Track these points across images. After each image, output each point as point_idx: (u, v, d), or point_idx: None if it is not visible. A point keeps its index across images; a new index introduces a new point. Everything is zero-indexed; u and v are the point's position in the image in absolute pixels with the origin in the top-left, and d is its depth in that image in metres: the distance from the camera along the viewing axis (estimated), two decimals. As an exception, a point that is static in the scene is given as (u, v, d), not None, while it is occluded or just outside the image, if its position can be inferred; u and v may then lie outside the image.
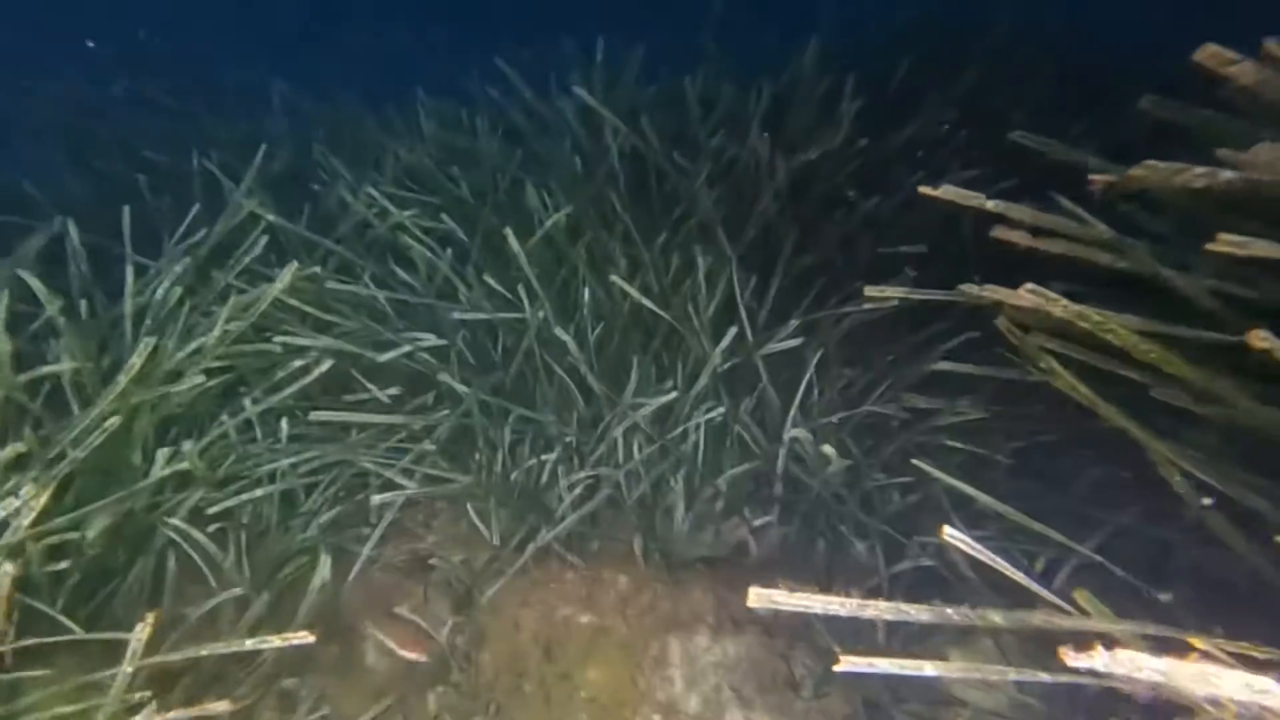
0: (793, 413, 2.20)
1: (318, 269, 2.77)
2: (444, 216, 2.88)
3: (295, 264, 2.17)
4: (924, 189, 1.31)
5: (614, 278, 2.26)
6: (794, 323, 2.26)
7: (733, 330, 2.23)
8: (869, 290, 1.42)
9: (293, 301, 2.46)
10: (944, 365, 1.60)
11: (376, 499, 2.13)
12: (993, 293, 1.20)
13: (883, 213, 2.25)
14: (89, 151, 3.64)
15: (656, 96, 3.02)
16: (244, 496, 1.96)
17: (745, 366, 2.30)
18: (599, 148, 2.57)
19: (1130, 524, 1.65)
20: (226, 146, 3.50)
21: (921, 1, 3.11)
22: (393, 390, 2.51)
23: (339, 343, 2.30)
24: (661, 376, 2.41)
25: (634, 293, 2.27)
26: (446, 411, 2.35)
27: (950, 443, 2.07)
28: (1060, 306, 1.13)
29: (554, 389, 2.41)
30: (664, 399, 2.23)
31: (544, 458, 2.34)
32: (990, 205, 1.26)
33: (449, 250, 2.65)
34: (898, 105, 2.55)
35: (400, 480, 2.24)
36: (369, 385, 2.45)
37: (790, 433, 2.13)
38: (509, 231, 2.08)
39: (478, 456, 2.37)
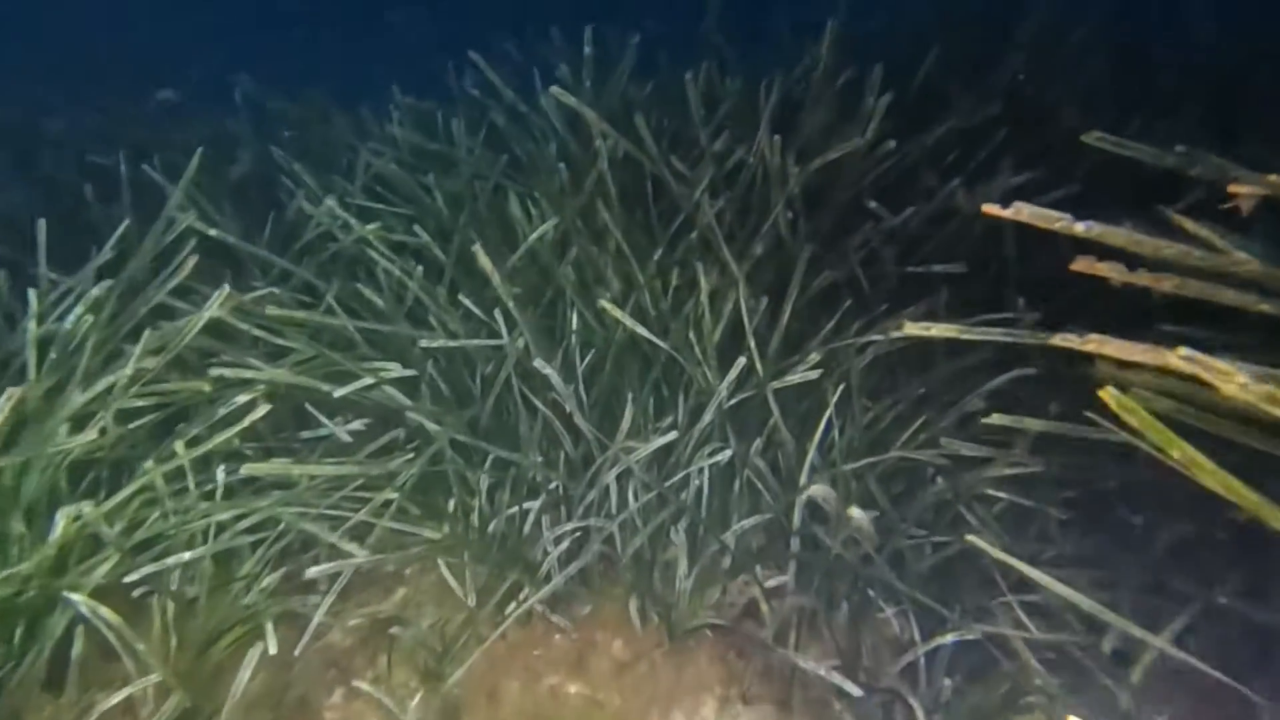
0: (810, 456, 1.92)
1: (275, 289, 2.49)
2: (417, 229, 2.59)
3: (227, 289, 1.88)
4: (988, 208, 1.04)
5: (602, 302, 1.98)
6: (811, 352, 1.99)
7: (740, 360, 1.95)
8: (909, 327, 1.14)
9: (244, 326, 2.17)
10: (997, 419, 1.32)
11: (330, 560, 1.84)
12: (1101, 346, 0.92)
13: (912, 226, 1.97)
14: (35, 156, 3.35)
15: (654, 93, 2.73)
16: (169, 561, 1.66)
17: (755, 402, 2.02)
18: (588, 152, 2.29)
19: (1224, 603, 1.37)
20: (183, 150, 3.21)
21: None
22: (357, 425, 2.22)
23: (292, 374, 2.00)
24: (660, 413, 2.12)
25: (625, 319, 1.98)
26: (411, 455, 2.06)
27: (993, 492, 1.79)
28: (1227, 378, 0.83)
29: (538, 427, 2.12)
30: (663, 440, 1.95)
31: (527, 505, 2.06)
32: (1080, 230, 0.99)
33: (420, 268, 2.36)
34: (926, 101, 2.27)
35: (361, 532, 1.95)
36: (326, 421, 2.15)
37: (807, 481, 1.85)
38: (479, 249, 1.79)
39: (450, 503, 2.08)
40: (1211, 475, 0.83)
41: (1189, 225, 1.17)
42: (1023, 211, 1.01)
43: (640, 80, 2.94)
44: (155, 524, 1.70)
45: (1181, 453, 0.83)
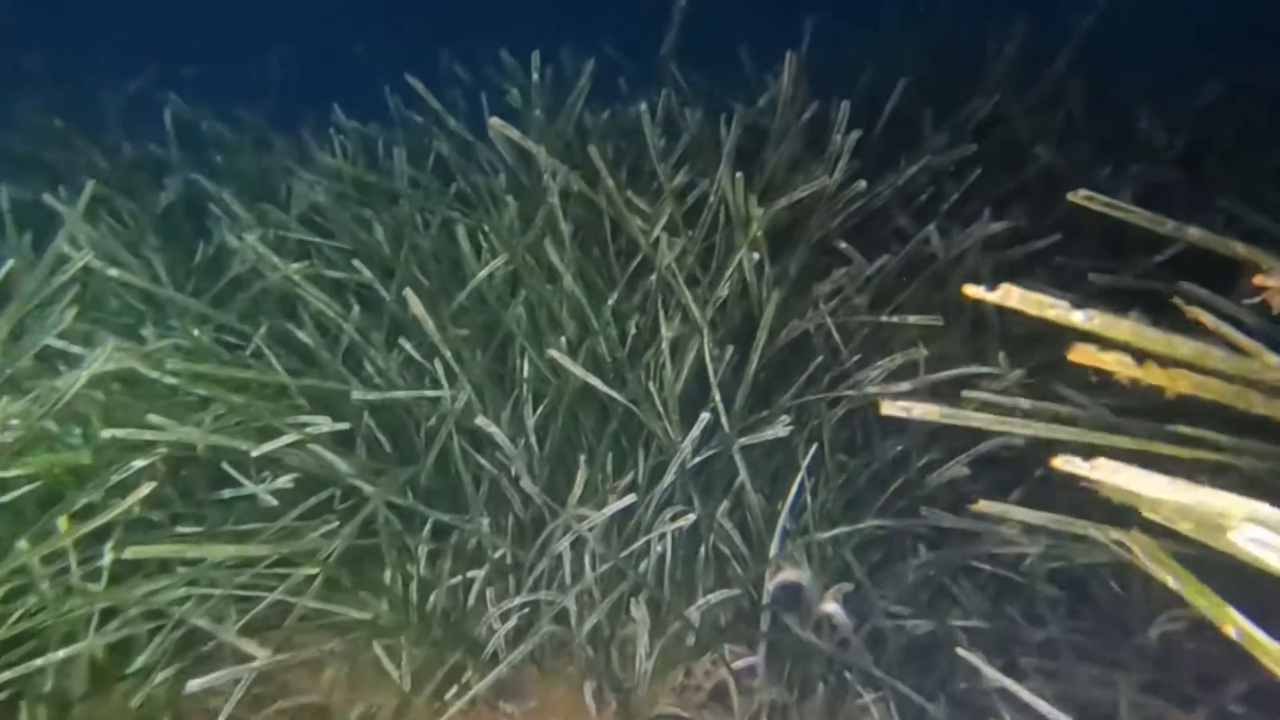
0: (782, 520, 1.76)
1: (196, 331, 2.27)
2: (357, 264, 2.39)
3: (110, 344, 1.66)
4: (971, 290, 0.89)
5: (552, 352, 1.81)
6: (781, 406, 1.84)
7: (705, 415, 1.79)
8: (886, 407, 0.99)
9: (154, 374, 1.94)
10: (984, 506, 1.17)
11: (245, 645, 1.61)
12: (1112, 476, 0.76)
13: (885, 271, 1.84)
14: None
15: (609, 123, 2.58)
16: (38, 661, 1.43)
17: (721, 460, 1.86)
18: (541, 184, 2.12)
19: (1234, 711, 1.24)
20: (105, 177, 2.97)
21: (916, 13, 2.72)
22: (285, 482, 2.00)
23: (202, 433, 1.78)
24: (619, 470, 1.95)
25: (576, 369, 1.81)
26: (338, 522, 1.85)
27: (978, 564, 1.65)
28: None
29: (484, 488, 1.93)
30: (621, 504, 1.77)
31: (470, 575, 1.87)
32: (1079, 320, 0.85)
33: (357, 308, 2.16)
34: (896, 136, 2.15)
35: (280, 610, 1.74)
36: (246, 481, 1.94)
37: (778, 550, 1.69)
38: (410, 293, 1.61)
39: (385, 574, 1.87)
40: (1273, 656, 0.68)
41: (1206, 319, 1.05)
42: (1011, 295, 0.87)
43: (597, 107, 2.79)
44: (28, 616, 1.47)
45: (1236, 626, 0.69)
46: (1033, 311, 0.90)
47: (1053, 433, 1.01)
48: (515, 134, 1.85)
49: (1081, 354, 0.90)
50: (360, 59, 3.37)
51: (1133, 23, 2.26)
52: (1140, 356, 0.93)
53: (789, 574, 1.42)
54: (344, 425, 1.96)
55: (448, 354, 1.75)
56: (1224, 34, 2.41)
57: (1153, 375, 0.89)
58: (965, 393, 1.11)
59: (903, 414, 1.00)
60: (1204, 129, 2.04)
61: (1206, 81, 2.10)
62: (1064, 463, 0.76)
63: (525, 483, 1.72)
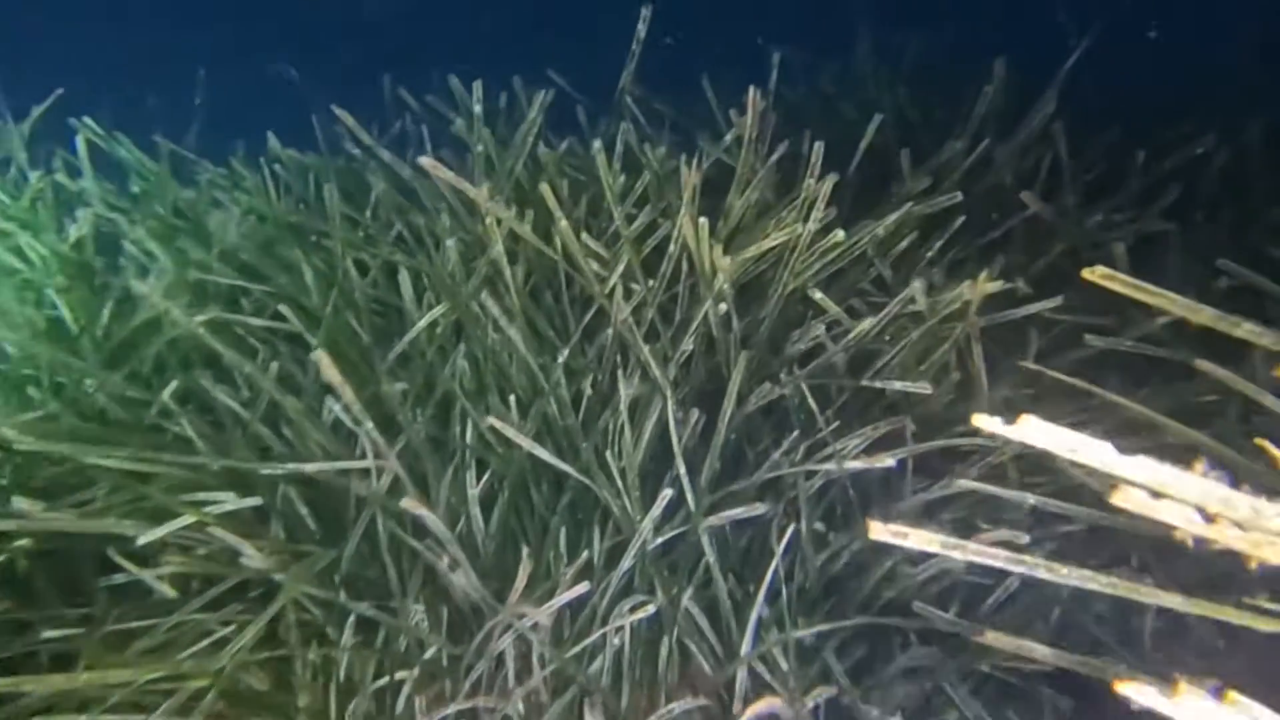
0: (757, 609, 1.56)
1: (90, 385, 2.00)
2: (285, 310, 2.15)
3: None
4: (981, 423, 0.70)
5: (492, 419, 1.59)
6: (752, 479, 1.64)
7: (667, 492, 1.59)
8: (875, 529, 0.78)
9: (26, 442, 1.67)
10: (992, 639, 0.98)
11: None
12: (1177, 707, 0.57)
13: (865, 328, 1.66)
14: None
15: (565, 157, 2.39)
16: None
17: (686, 542, 1.65)
18: (483, 227, 1.91)
19: None
20: (6, 210, 2.69)
21: (891, 45, 2.58)
22: (182, 569, 1.74)
23: (76, 520, 1.52)
24: (572, 550, 1.73)
25: (522, 440, 1.60)
26: (246, 615, 1.60)
27: (974, 665, 1.46)
28: None
29: (417, 575, 1.69)
30: (571, 594, 1.55)
31: (399, 677, 1.62)
32: (1125, 471, 0.66)
33: (274, 366, 1.92)
34: (871, 176, 2.00)
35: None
36: (134, 569, 1.67)
37: (750, 649, 1.48)
38: (321, 354, 1.38)
39: (297, 675, 1.62)
40: None
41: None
42: (1031, 428, 0.67)
43: (556, 138, 2.60)
44: None
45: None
46: (1062, 454, 0.71)
47: (1084, 580, 0.82)
48: (448, 174, 1.64)
49: (1130, 500, 0.70)
50: (299, 84, 3.13)
51: (1112, 64, 2.16)
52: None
53: (764, 705, 1.22)
54: (254, 501, 1.70)
55: (368, 425, 1.51)
56: (1212, 80, 2.34)
57: (1227, 537, 0.70)
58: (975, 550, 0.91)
59: (896, 540, 0.80)
60: (1192, 178, 1.93)
61: (1196, 128, 2.00)
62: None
63: (460, 576, 1.49)
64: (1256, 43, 2.47)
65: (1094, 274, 1.00)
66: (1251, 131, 2.14)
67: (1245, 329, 1.01)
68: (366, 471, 1.73)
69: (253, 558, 1.59)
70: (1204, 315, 1.02)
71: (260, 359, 1.93)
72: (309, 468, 1.68)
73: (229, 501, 1.66)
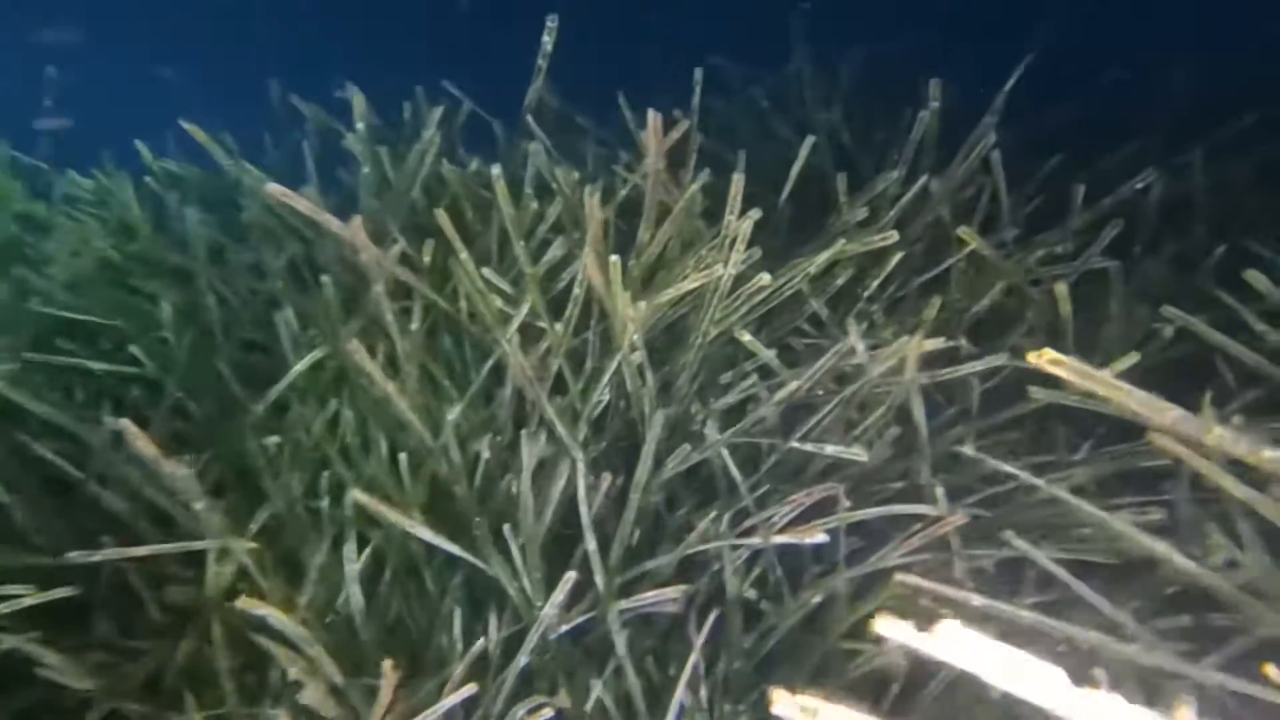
0: (677, 702, 1.35)
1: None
2: (137, 351, 1.85)
3: None
4: (881, 626, 0.52)
5: (357, 493, 1.35)
6: (669, 557, 1.44)
7: (571, 574, 1.37)
8: (778, 701, 0.58)
9: None
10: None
11: None
12: None
13: (798, 382, 1.48)
14: None
15: (473, 178, 2.14)
16: None
17: (595, 630, 1.43)
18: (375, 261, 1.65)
19: None
20: None
21: (829, 62, 2.41)
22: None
23: None
24: (467, 639, 1.49)
25: (400, 519, 1.36)
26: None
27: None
28: None
29: (275, 675, 1.42)
30: (461, 695, 1.31)
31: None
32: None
33: (107, 422, 1.62)
34: (807, 200, 1.82)
35: None
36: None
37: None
38: (127, 424, 1.11)
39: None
40: None
41: None
42: (948, 632, 0.50)
43: (465, 157, 2.35)
44: None
45: None
46: (989, 679, 0.54)
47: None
48: (304, 204, 1.39)
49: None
50: (177, 90, 2.78)
51: (1050, 88, 2.06)
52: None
53: None
54: (65, 592, 1.40)
55: (200, 504, 1.24)
56: (1156, 113, 2.27)
57: None
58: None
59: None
60: (1132, 213, 1.83)
61: (1136, 161, 1.90)
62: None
63: (310, 694, 1.24)
64: (1196, 67, 2.43)
65: (1040, 358, 0.87)
66: (1193, 155, 2.06)
67: (1215, 434, 0.87)
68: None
69: (55, 665, 1.30)
70: (1168, 416, 0.87)
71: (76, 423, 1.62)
72: (138, 551, 1.39)
73: (23, 595, 1.36)
